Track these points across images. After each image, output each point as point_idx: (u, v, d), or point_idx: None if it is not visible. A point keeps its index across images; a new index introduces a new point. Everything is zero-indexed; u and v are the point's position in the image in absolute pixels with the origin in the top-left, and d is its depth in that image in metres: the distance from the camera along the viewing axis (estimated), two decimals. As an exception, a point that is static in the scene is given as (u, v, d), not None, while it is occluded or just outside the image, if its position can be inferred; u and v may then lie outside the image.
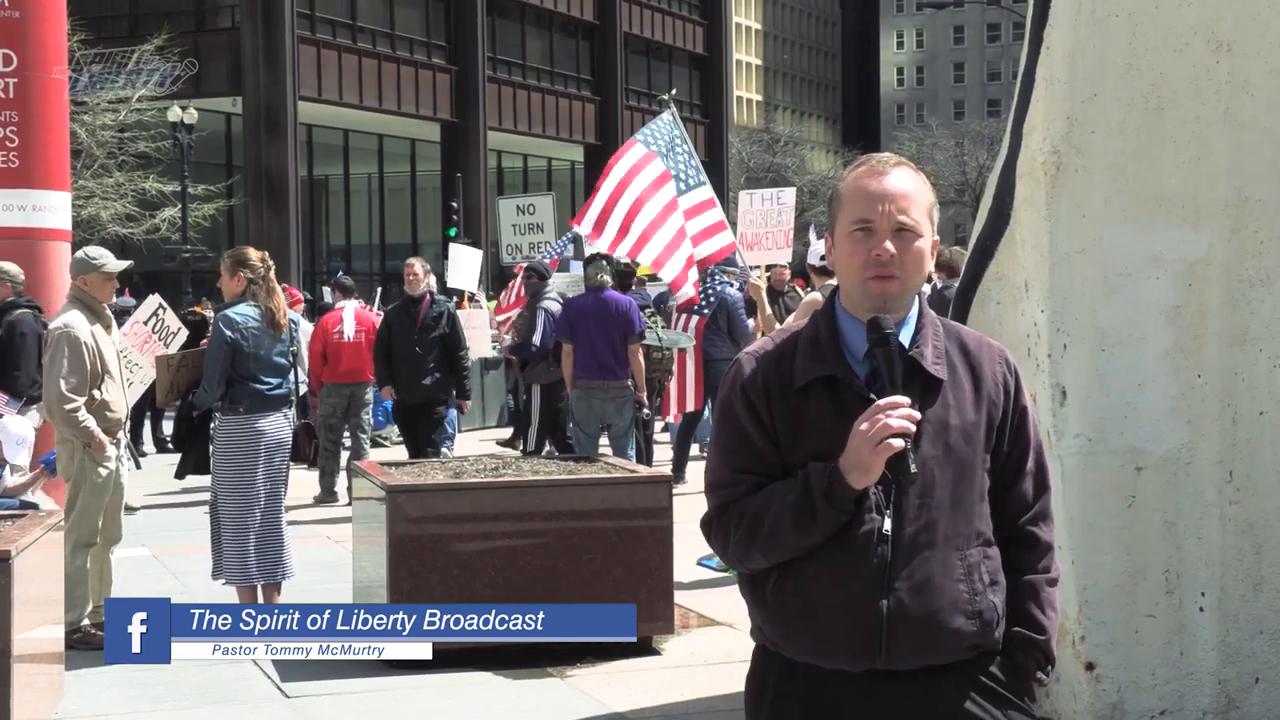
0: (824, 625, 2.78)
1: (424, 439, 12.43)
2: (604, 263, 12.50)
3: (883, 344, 2.75)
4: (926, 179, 2.93)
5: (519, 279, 16.50)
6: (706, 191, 9.85)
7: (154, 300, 12.30)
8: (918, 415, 2.70)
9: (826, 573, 2.77)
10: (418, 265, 12.74)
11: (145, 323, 11.98)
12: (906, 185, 2.85)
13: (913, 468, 2.70)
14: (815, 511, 2.74)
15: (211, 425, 8.52)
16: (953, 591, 2.77)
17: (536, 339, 13.31)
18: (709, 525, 2.92)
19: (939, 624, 2.76)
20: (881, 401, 2.70)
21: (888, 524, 2.74)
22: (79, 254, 8.31)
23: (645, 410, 12.19)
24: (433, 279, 17.02)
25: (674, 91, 11.68)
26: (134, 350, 11.86)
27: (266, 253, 8.55)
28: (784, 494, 2.78)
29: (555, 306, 13.40)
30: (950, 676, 2.80)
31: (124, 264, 8.34)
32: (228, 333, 8.02)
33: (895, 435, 2.67)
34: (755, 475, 2.84)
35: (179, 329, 12.24)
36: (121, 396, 8.17)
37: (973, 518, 2.81)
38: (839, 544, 2.76)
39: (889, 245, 2.79)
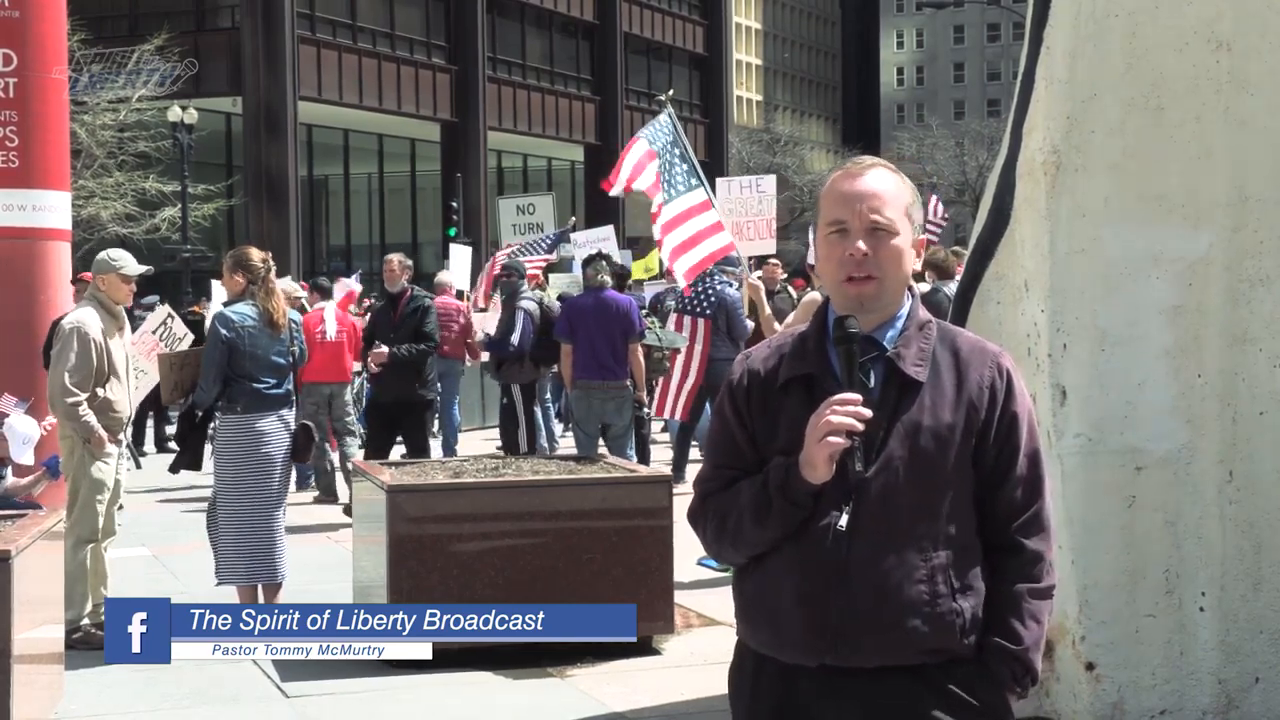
0: (780, 619, 2.81)
1: (409, 443, 12.04)
2: (603, 263, 12.50)
3: (844, 342, 2.77)
4: (906, 179, 2.94)
5: (485, 273, 16.47)
6: (702, 194, 9.83)
7: (163, 310, 12.29)
8: (867, 413, 2.71)
9: (785, 567, 2.81)
10: (395, 261, 12.46)
11: (154, 332, 11.99)
12: (880, 185, 2.87)
13: (858, 466, 2.71)
14: (772, 505, 2.78)
15: (212, 424, 8.53)
16: (911, 593, 2.76)
17: (515, 338, 13.18)
18: (693, 517, 2.98)
19: (892, 624, 2.75)
20: (832, 398, 2.72)
21: (844, 521, 2.75)
22: (100, 255, 8.38)
23: (646, 410, 12.17)
24: (446, 275, 16.91)
25: (671, 92, 11.65)
26: (141, 358, 11.86)
27: (269, 253, 8.56)
28: (749, 488, 2.83)
29: (533, 306, 13.37)
30: (915, 679, 2.78)
31: (143, 268, 8.40)
32: (224, 331, 8.03)
33: (839, 432, 2.68)
34: (734, 471, 2.89)
35: (185, 334, 12.24)
36: (126, 398, 8.19)
37: (942, 521, 2.79)
38: (799, 539, 2.79)
39: (861, 244, 2.82)
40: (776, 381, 2.87)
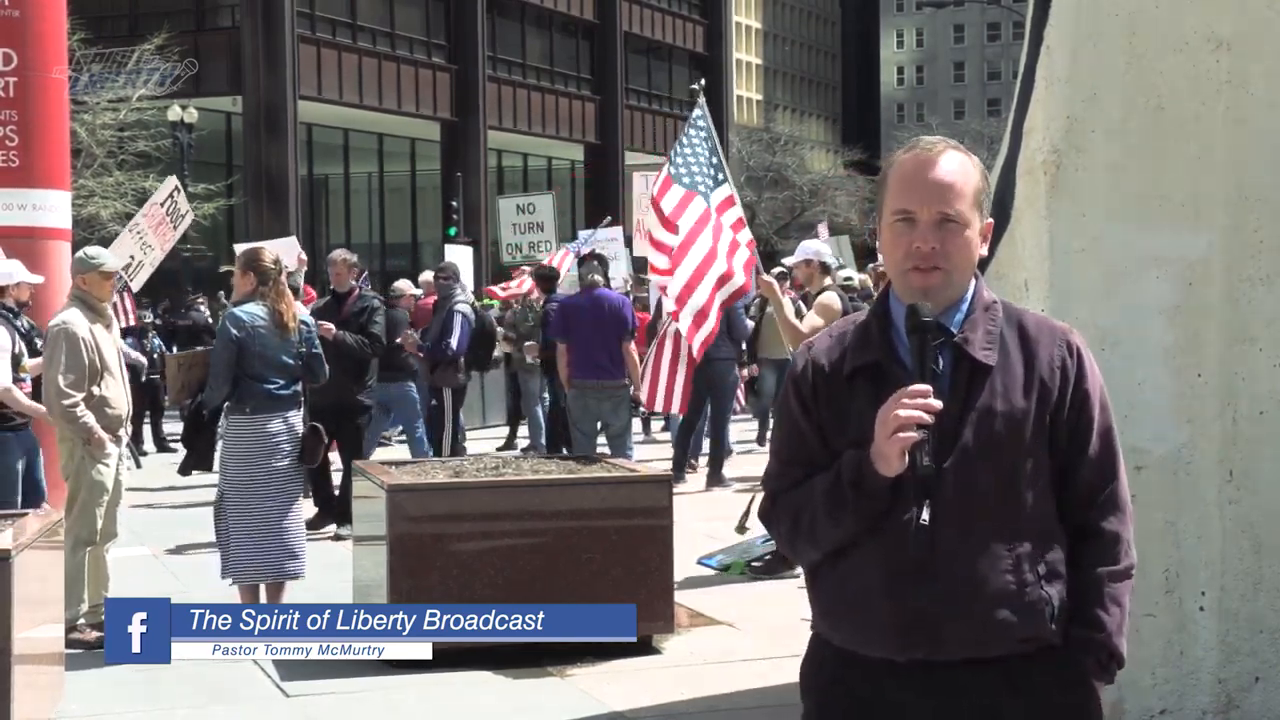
0: (867, 614, 2.75)
1: (344, 452, 11.35)
2: (595, 263, 12.53)
3: (918, 331, 2.71)
4: (977, 161, 2.85)
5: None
6: (727, 189, 9.78)
7: (171, 181, 12.28)
8: (937, 405, 2.65)
9: (868, 562, 2.74)
10: (341, 259, 12.02)
11: (161, 204, 11.98)
12: (951, 175, 2.78)
13: (924, 460, 2.65)
14: (847, 500, 2.72)
15: (220, 424, 8.52)
16: (998, 582, 2.71)
17: (453, 342, 13.02)
18: (765, 516, 2.92)
19: (983, 615, 2.70)
20: (901, 390, 2.66)
21: (926, 515, 2.69)
22: (78, 254, 8.38)
23: (642, 409, 12.13)
24: (405, 283, 16.73)
25: (702, 82, 11.48)
26: (149, 232, 11.90)
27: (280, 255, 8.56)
28: (821, 484, 2.77)
29: (468, 310, 13.32)
30: (1004, 672, 2.74)
31: (122, 262, 8.38)
32: (233, 331, 8.03)
33: (909, 425, 2.63)
34: (803, 466, 2.83)
35: (186, 211, 12.21)
36: (121, 394, 8.19)
37: (1024, 507, 2.74)
38: (880, 533, 2.73)
39: (929, 238, 2.75)
40: (842, 372, 2.80)
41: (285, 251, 13.28)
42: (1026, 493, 2.75)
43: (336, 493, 11.49)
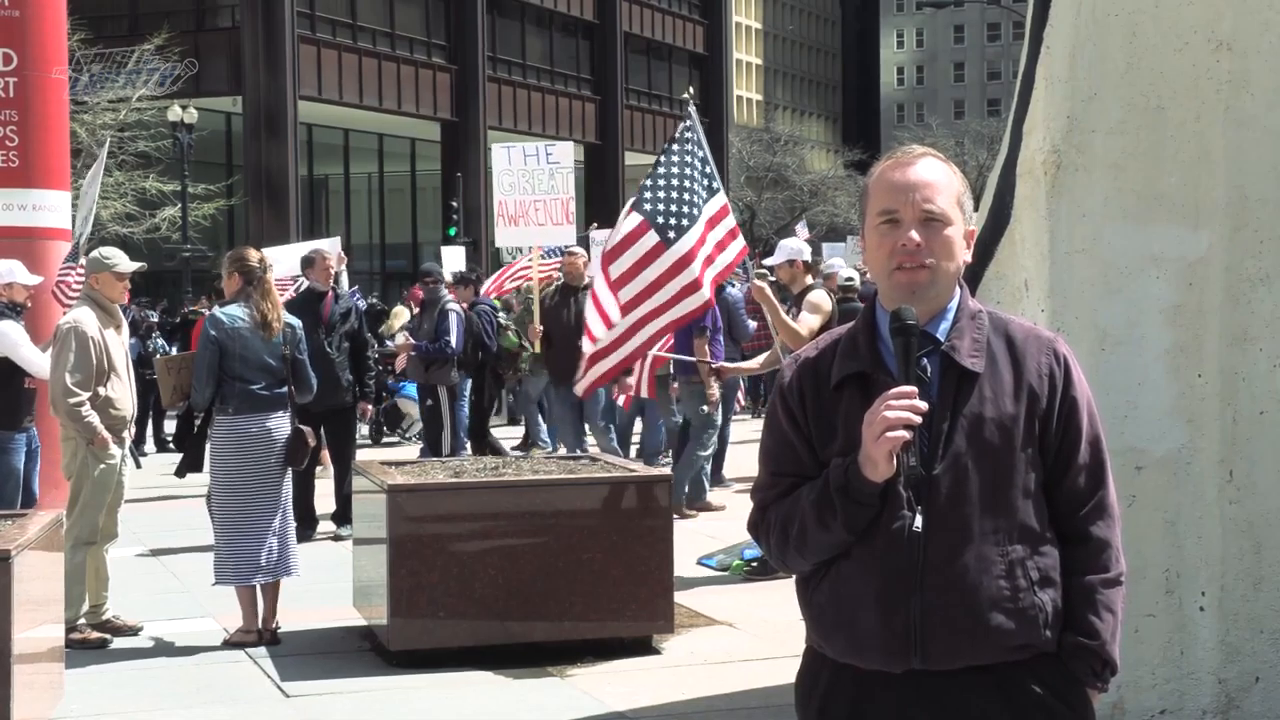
0: (859, 625, 2.74)
1: (335, 453, 11.36)
2: None
3: (902, 334, 2.70)
4: (956, 168, 2.89)
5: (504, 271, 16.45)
6: (721, 199, 9.75)
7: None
8: (923, 406, 2.65)
9: (861, 572, 2.74)
10: (333, 258, 11.88)
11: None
12: (932, 174, 2.81)
13: (911, 461, 2.65)
14: (835, 508, 2.71)
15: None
16: (992, 589, 2.71)
17: (452, 340, 12.97)
18: (754, 528, 2.92)
19: (976, 622, 2.70)
20: (887, 393, 2.66)
21: (918, 521, 2.69)
22: (93, 253, 8.36)
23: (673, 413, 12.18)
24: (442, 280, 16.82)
25: (692, 91, 11.44)
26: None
27: (265, 254, 8.54)
28: (809, 493, 2.77)
29: (460, 309, 13.37)
30: (999, 681, 2.74)
31: (136, 265, 8.38)
32: (212, 332, 8.02)
33: (896, 426, 2.62)
34: (792, 477, 2.83)
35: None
36: (127, 395, 8.18)
37: (1015, 513, 2.75)
38: (872, 542, 2.72)
39: (914, 235, 2.76)
40: (830, 382, 2.81)
41: (330, 249, 13.32)
42: (1017, 498, 2.76)
43: (335, 498, 11.49)
